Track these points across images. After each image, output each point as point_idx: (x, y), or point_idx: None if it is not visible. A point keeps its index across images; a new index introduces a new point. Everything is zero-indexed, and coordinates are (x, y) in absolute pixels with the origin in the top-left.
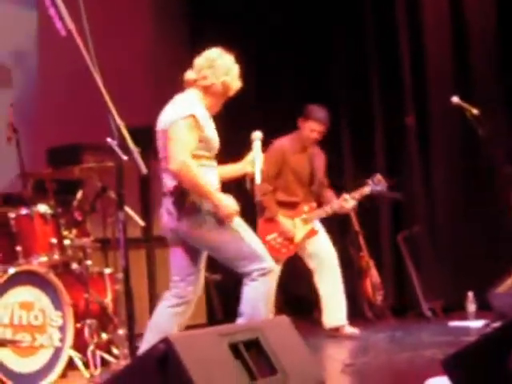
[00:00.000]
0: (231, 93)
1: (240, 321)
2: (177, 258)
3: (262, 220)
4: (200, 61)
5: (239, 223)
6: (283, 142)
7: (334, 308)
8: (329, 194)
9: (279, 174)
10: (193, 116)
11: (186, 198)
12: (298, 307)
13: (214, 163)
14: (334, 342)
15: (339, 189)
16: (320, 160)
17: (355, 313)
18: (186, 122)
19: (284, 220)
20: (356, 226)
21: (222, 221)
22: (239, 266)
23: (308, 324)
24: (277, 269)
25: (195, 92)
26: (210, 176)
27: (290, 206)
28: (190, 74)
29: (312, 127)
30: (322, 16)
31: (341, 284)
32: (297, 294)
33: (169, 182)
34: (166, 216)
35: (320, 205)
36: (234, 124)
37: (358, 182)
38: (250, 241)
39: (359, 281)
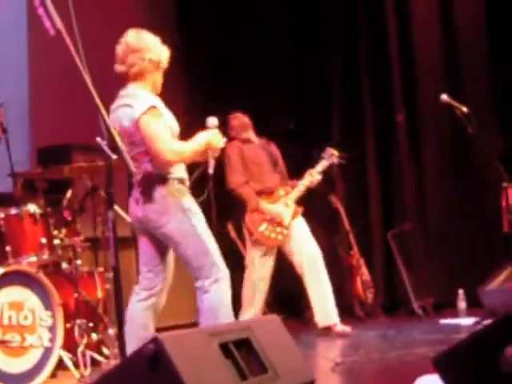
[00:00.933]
0: (164, 64)
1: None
2: (144, 248)
3: (247, 214)
4: (121, 49)
5: (203, 225)
6: (234, 142)
7: (323, 307)
8: (292, 181)
9: (244, 168)
10: (152, 107)
11: (153, 188)
12: (289, 306)
13: None
14: (325, 341)
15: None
16: (274, 149)
17: (346, 311)
18: (150, 114)
19: (268, 206)
20: (346, 225)
21: (187, 216)
22: (193, 267)
23: (299, 323)
24: (271, 262)
25: (134, 84)
26: (177, 168)
27: (265, 193)
28: (118, 68)
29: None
30: (313, 13)
31: (328, 283)
32: (288, 293)
33: (139, 173)
34: (134, 205)
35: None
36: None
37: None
38: (207, 243)
39: (350, 279)
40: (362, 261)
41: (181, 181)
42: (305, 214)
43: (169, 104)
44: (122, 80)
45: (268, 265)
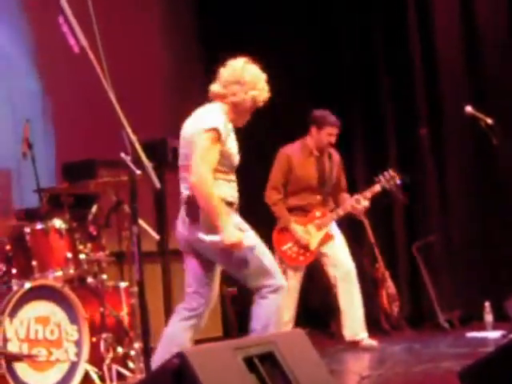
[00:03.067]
0: (260, 104)
1: (253, 332)
2: (190, 268)
3: (276, 230)
4: (226, 74)
5: (252, 236)
6: (288, 150)
7: (353, 322)
8: (344, 196)
9: (288, 181)
10: (215, 130)
11: (199, 209)
12: (315, 320)
13: (232, 177)
14: (350, 355)
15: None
16: (335, 163)
17: (371, 324)
18: (209, 134)
19: (297, 228)
20: (371, 238)
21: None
22: (250, 280)
23: (325, 336)
24: (298, 276)
25: (221, 105)
26: (225, 189)
27: (303, 211)
28: (216, 88)
29: (329, 132)
30: (331, 23)
31: (359, 298)
32: (313, 307)
33: (184, 191)
34: (181, 225)
35: (335, 208)
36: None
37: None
38: (262, 256)
39: (375, 292)
40: (387, 274)
41: (228, 203)
42: None
43: None
44: (213, 97)
45: (294, 281)
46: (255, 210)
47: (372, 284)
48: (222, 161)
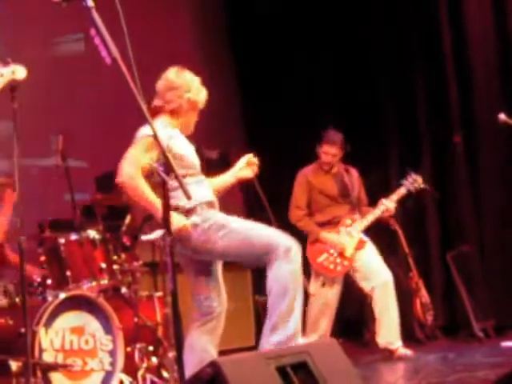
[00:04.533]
0: (200, 105)
1: (269, 299)
2: (194, 278)
3: (308, 244)
4: (160, 85)
5: (239, 221)
6: (305, 170)
7: (388, 331)
8: (367, 209)
9: (310, 199)
10: (147, 136)
11: (187, 217)
12: (348, 329)
13: (202, 177)
14: (384, 364)
15: None
16: (352, 177)
17: (406, 334)
18: (142, 141)
19: (328, 235)
20: (405, 247)
21: (227, 228)
22: (259, 260)
23: (358, 346)
24: (336, 288)
25: (162, 119)
26: (200, 190)
27: (331, 224)
28: (156, 102)
29: (325, 150)
30: (365, 30)
31: (396, 307)
32: (347, 317)
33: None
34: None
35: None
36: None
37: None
38: (258, 233)
39: (409, 302)
40: (421, 283)
41: (208, 204)
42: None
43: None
44: (156, 113)
45: (332, 292)
46: None
47: (406, 293)
48: (180, 164)
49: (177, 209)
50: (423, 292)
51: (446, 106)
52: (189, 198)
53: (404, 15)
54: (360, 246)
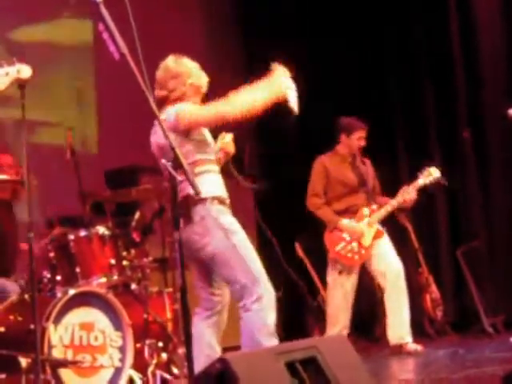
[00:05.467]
0: (203, 89)
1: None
2: (195, 271)
3: (326, 233)
4: (161, 75)
5: (242, 238)
6: (322, 158)
7: (398, 325)
8: (383, 198)
9: (328, 188)
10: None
11: (192, 210)
12: (358, 325)
13: (217, 168)
14: (394, 359)
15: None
16: (367, 166)
17: (415, 329)
18: (180, 109)
19: (348, 224)
20: (415, 242)
21: (227, 236)
22: (236, 288)
23: (368, 341)
24: (353, 279)
25: (168, 109)
26: (216, 186)
27: (349, 213)
28: (159, 92)
29: (359, 136)
30: (373, 25)
31: (406, 302)
32: (357, 312)
33: (179, 195)
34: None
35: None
36: None
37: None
38: (249, 261)
39: (419, 297)
40: (430, 278)
41: (220, 200)
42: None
43: None
44: (160, 106)
45: (349, 283)
46: None
47: (416, 289)
48: (206, 149)
49: (187, 197)
50: (433, 288)
51: (455, 102)
52: (197, 193)
53: (412, 14)
54: (378, 235)
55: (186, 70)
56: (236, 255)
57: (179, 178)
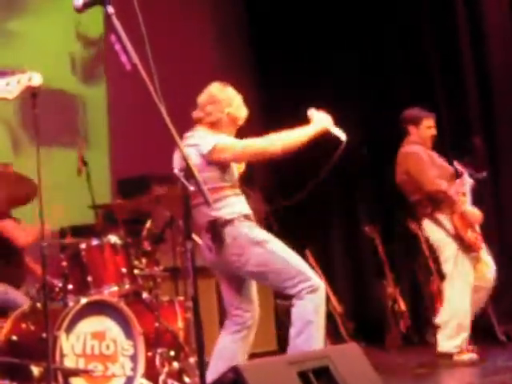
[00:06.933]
0: (240, 121)
1: (291, 344)
2: (226, 289)
3: (456, 217)
4: (202, 98)
5: (277, 244)
6: (414, 148)
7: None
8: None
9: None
10: (218, 143)
11: (222, 231)
12: (370, 333)
13: (238, 190)
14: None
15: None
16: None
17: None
18: (218, 147)
19: (473, 210)
20: (426, 251)
21: (263, 247)
22: (287, 287)
23: (381, 351)
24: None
25: (203, 128)
26: (239, 205)
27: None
28: (196, 113)
29: (427, 124)
30: (383, 30)
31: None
32: (370, 321)
33: (201, 219)
34: (207, 252)
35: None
36: None
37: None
38: (292, 260)
39: (432, 305)
40: (442, 286)
41: (246, 217)
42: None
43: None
44: (195, 124)
45: (473, 277)
46: None
47: (428, 297)
48: (225, 177)
49: (215, 221)
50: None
51: (466, 108)
52: (209, 204)
53: (423, 23)
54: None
55: (226, 98)
56: (278, 260)
57: (191, 188)
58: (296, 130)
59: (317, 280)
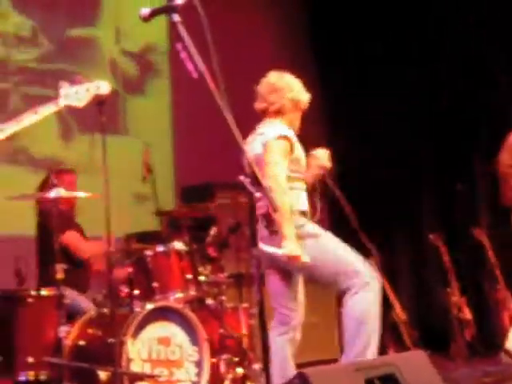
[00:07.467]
0: (303, 105)
1: (346, 349)
2: (274, 286)
3: None
4: (262, 89)
5: (331, 238)
6: None
7: None
8: None
9: None
10: (285, 136)
11: (277, 224)
12: (434, 342)
13: (305, 185)
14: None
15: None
16: None
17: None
18: (280, 141)
19: None
20: (492, 258)
21: (315, 240)
22: (338, 282)
23: (446, 359)
24: None
25: (272, 119)
26: (302, 199)
27: None
28: (258, 105)
29: None
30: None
31: None
32: (434, 328)
33: (261, 207)
34: (261, 243)
35: None
36: None
37: None
38: (345, 255)
39: (496, 314)
40: (509, 295)
41: (302, 213)
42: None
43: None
44: (261, 117)
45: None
46: None
47: (493, 305)
48: (295, 167)
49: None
50: (511, 304)
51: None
52: (275, 211)
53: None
54: None
55: (286, 84)
56: (331, 253)
57: (257, 194)
58: (288, 218)
59: (371, 274)
